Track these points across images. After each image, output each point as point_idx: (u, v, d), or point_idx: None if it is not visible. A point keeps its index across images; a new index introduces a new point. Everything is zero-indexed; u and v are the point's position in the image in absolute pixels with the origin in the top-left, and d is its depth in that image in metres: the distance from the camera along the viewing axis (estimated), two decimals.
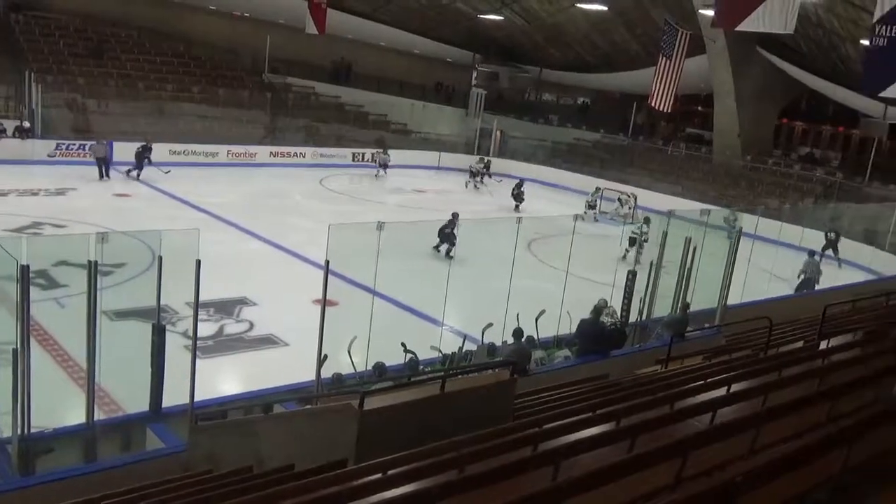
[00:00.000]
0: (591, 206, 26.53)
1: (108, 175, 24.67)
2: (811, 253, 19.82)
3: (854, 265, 22.75)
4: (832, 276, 20.89)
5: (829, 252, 22.91)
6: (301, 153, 31.76)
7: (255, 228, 19.91)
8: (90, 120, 28.19)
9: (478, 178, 31.11)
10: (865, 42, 16.14)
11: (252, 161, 30.01)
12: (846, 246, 23.24)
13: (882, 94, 15.22)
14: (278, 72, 36.14)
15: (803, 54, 29.46)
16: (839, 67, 28.61)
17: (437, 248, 18.86)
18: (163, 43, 34.12)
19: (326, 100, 36.83)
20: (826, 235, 23.22)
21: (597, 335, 11.64)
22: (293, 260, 17.58)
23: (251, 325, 13.28)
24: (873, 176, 28.68)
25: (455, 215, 18.90)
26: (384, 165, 31.14)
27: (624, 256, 17.93)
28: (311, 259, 15.93)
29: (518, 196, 26.93)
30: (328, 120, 34.69)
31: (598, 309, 12.02)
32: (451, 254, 18.50)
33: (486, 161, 32.40)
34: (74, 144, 26.30)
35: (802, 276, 19.15)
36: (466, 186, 30.65)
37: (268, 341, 12.69)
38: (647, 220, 19.17)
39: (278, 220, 21.17)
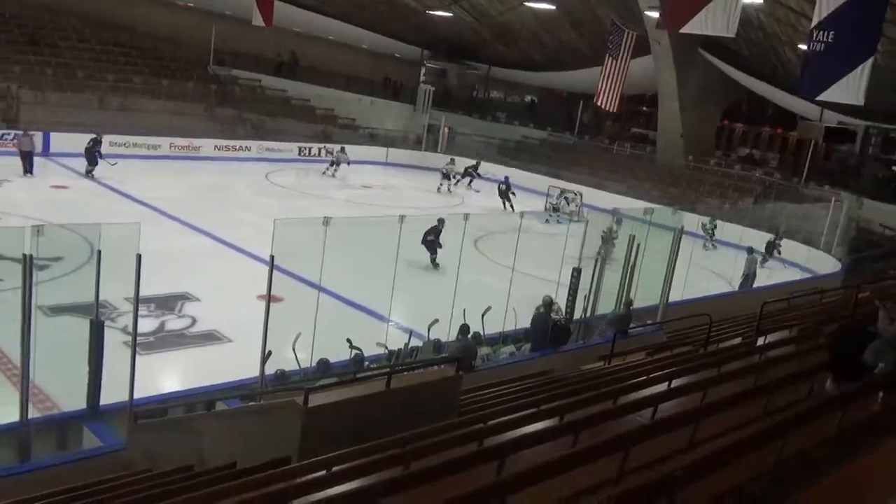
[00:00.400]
0: (556, 209, 26.69)
1: (31, 172, 23.01)
2: (750, 250, 20.27)
3: (791, 264, 23.39)
4: (771, 275, 21.50)
5: (773, 253, 23.44)
6: (246, 147, 31.30)
7: (198, 223, 19.55)
8: (24, 111, 27.26)
9: (451, 182, 29.82)
10: (804, 46, 16.59)
11: (196, 154, 29.46)
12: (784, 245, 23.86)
13: (819, 98, 15.70)
14: (224, 64, 35.54)
15: (744, 57, 30.19)
16: (778, 71, 29.40)
17: (433, 260, 17.73)
18: (104, 32, 33.21)
19: (273, 93, 36.37)
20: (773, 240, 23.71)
21: (546, 329, 11.76)
22: (238, 255, 17.32)
23: (193, 321, 13.05)
24: (809, 177, 29.56)
25: (441, 221, 17.55)
26: (338, 163, 30.12)
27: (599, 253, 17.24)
28: (256, 254, 15.72)
29: (504, 193, 26.72)
30: (274, 114, 34.27)
31: (548, 302, 12.14)
32: (436, 262, 17.66)
33: (475, 162, 31.10)
34: (9, 134, 25.42)
35: (744, 276, 19.53)
36: (439, 190, 29.17)
37: (211, 337, 12.49)
38: (618, 221, 19.49)
39: (223, 215, 20.83)
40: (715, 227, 24.26)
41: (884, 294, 11.66)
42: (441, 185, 29.57)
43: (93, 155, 24.01)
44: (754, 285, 19.18)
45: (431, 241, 17.77)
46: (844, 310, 10.40)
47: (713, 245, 23.98)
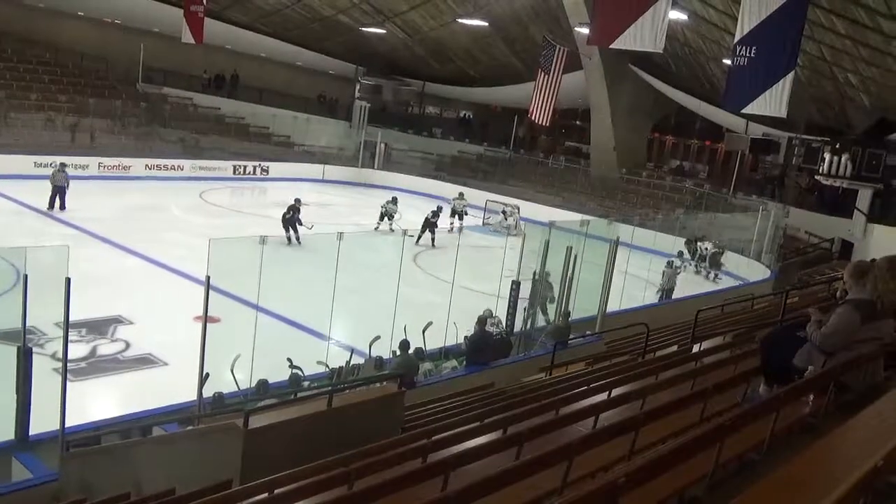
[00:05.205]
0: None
1: None
2: (669, 263, 20.53)
3: (726, 273, 23.98)
4: (700, 283, 22.05)
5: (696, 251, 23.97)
6: (179, 166, 30.71)
7: (130, 244, 19.08)
8: None
9: (461, 222, 26.71)
10: (728, 62, 17.12)
11: (126, 174, 28.77)
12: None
13: (743, 111, 16.23)
14: (153, 82, 34.88)
15: (673, 73, 31.04)
16: (705, 85, 30.30)
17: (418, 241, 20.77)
18: (26, 49, 32.27)
19: (205, 111, 35.83)
20: (695, 246, 24.21)
21: (483, 346, 11.81)
22: (172, 276, 16.96)
23: (127, 345, 12.72)
24: (737, 187, 30.46)
25: (439, 207, 23.66)
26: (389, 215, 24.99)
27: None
28: (192, 275, 15.41)
29: (430, 225, 24.64)
30: (207, 132, 33.73)
31: (482, 320, 12.20)
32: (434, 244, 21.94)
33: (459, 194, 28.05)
34: None
35: (661, 290, 19.76)
36: (451, 230, 25.60)
37: (145, 361, 12.18)
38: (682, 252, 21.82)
39: (156, 236, 20.37)
40: (697, 248, 23.90)
41: (812, 299, 12.08)
42: (452, 224, 26.39)
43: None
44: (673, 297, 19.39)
45: (433, 223, 22.66)
46: (775, 315, 10.72)
47: (705, 270, 23.69)
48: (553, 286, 14.25)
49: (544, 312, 14.64)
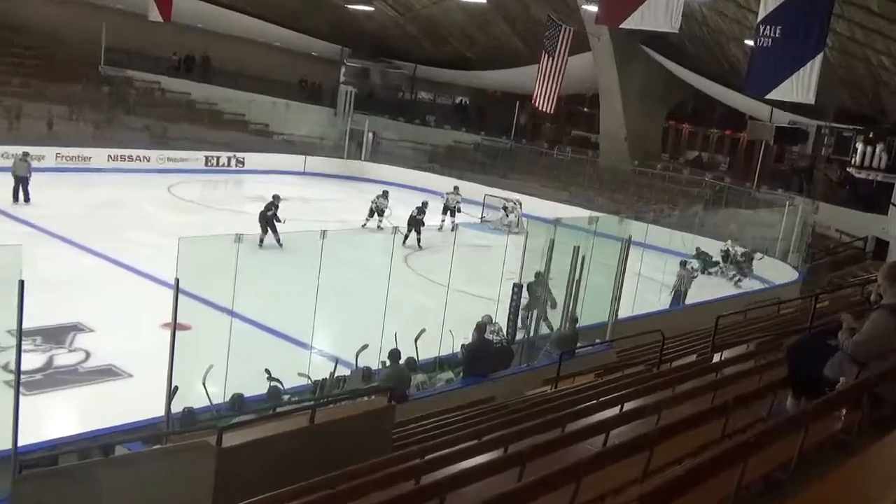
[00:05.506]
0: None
1: None
2: (683, 263, 20.47)
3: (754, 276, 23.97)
4: (723, 286, 22.07)
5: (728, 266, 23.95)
6: (145, 157, 30.65)
7: (91, 243, 19.03)
8: None
9: (452, 219, 26.55)
10: (750, 42, 17.14)
11: (86, 165, 28.69)
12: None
13: (767, 97, 16.24)
14: (117, 64, 34.78)
15: (689, 54, 31.07)
16: (725, 67, 30.34)
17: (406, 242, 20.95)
18: None
19: (174, 96, 35.74)
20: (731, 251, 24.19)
21: (483, 355, 11.80)
22: (138, 279, 16.93)
23: (87, 355, 12.70)
24: (761, 180, 30.51)
25: (425, 203, 23.44)
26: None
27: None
28: (159, 277, 15.39)
29: (455, 210, 25.77)
30: (176, 119, 33.66)
31: (481, 327, 12.19)
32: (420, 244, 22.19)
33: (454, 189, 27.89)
34: None
35: (674, 292, 19.73)
36: (441, 229, 25.45)
37: (108, 373, 12.16)
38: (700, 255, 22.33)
39: (119, 234, 20.32)
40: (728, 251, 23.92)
41: (843, 303, 12.11)
42: (442, 222, 26.24)
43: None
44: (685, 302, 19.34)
45: (419, 220, 22.62)
46: (803, 321, 10.74)
47: (733, 272, 23.59)
48: (553, 290, 14.23)
49: (545, 319, 14.64)
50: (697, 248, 23.54)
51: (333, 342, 13.12)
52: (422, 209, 23.66)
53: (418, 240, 22.82)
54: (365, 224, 24.32)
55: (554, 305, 14.34)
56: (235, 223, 19.00)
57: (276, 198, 21.60)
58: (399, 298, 12.96)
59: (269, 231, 20.80)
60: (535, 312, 14.50)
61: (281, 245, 20.40)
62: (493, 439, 6.06)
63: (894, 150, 25.00)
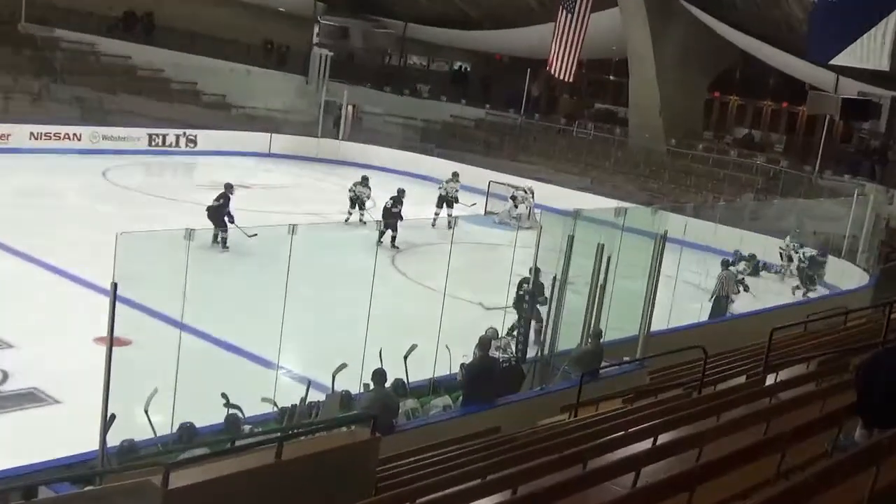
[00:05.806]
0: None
1: None
2: (724, 263, 20.23)
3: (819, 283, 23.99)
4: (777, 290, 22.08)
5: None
6: (75, 134, 30.66)
7: (10, 241, 19.04)
8: None
9: (451, 209, 26.35)
10: None
11: (4, 145, 28.73)
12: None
13: (832, 62, 16.28)
14: (42, 22, 34.78)
15: (738, 10, 31.04)
16: (781, 28, 30.34)
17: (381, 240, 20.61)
18: None
19: (112, 61, 35.75)
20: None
21: (487, 377, 11.80)
22: (66, 283, 16.95)
23: (4, 377, 12.70)
24: (824, 164, 30.51)
25: (401, 191, 23.24)
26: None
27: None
28: (93, 282, 15.40)
29: (392, 214, 24.88)
30: (114, 89, 33.67)
31: (485, 342, 12.17)
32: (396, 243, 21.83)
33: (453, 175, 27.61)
34: None
35: (713, 297, 19.63)
36: (434, 225, 24.71)
37: (29, 398, 12.16)
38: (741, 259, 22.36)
39: (44, 229, 20.35)
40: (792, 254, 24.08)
41: None
42: (437, 215, 25.87)
43: None
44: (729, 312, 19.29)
45: (396, 212, 22.43)
46: (875, 335, 10.76)
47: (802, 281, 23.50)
48: (545, 285, 14.10)
49: (538, 321, 14.44)
50: (737, 251, 23.36)
51: (305, 361, 13.14)
52: (397, 199, 23.21)
53: (393, 238, 22.09)
54: (348, 218, 23.98)
55: (544, 303, 14.15)
56: (186, 216, 19.02)
57: (229, 187, 21.29)
58: (385, 308, 12.94)
59: (220, 227, 20.32)
60: (528, 312, 14.39)
61: (226, 246, 20.00)
62: (499, 479, 6.06)
63: None
